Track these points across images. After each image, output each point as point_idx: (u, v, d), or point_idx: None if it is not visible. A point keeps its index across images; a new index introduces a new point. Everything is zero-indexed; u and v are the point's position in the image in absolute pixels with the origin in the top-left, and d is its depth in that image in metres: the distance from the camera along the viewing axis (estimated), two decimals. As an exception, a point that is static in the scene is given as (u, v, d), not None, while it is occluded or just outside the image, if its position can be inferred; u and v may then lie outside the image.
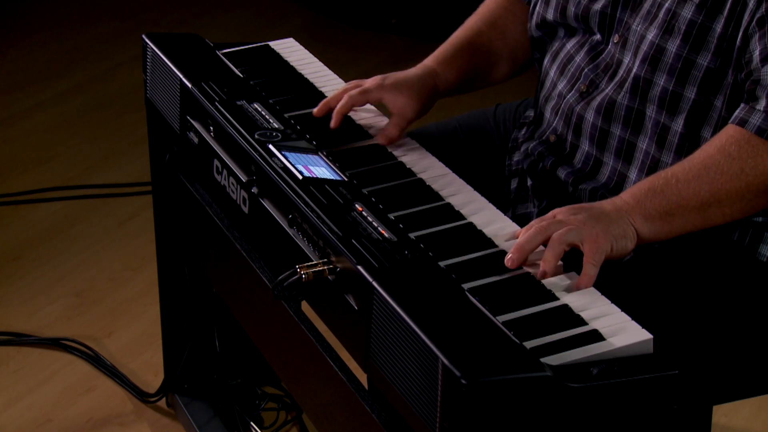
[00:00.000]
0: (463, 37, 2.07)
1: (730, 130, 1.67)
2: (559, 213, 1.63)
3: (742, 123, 1.66)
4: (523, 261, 1.58)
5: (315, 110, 1.96)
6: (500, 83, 2.12)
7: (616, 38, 1.84)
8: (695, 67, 1.73)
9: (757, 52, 1.67)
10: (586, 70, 1.88)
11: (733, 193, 1.66)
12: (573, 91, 1.90)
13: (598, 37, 1.88)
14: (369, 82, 1.95)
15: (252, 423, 2.49)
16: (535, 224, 1.61)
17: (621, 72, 1.83)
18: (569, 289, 1.55)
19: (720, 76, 1.72)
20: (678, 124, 1.76)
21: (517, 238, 1.64)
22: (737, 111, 1.68)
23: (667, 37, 1.75)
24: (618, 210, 1.65)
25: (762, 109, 1.65)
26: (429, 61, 2.04)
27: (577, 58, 1.91)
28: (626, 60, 1.82)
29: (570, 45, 1.94)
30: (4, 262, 3.13)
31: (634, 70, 1.79)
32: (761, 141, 1.65)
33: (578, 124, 1.88)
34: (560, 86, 1.93)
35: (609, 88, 1.84)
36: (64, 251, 3.19)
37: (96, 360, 2.75)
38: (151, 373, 2.72)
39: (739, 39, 1.69)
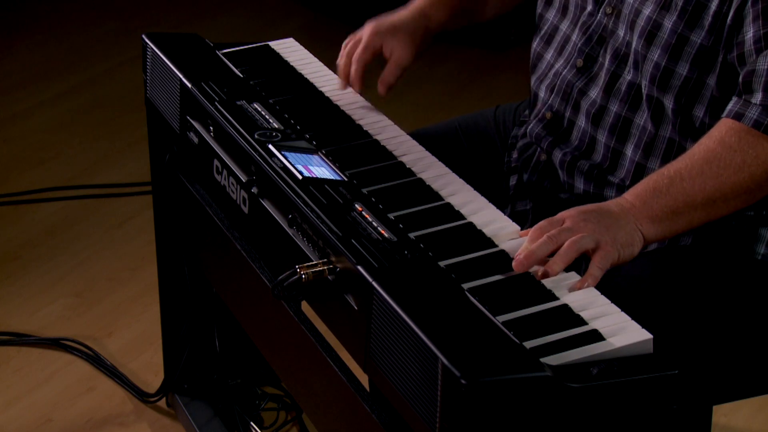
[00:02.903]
0: None
1: (728, 123, 1.67)
2: (568, 219, 1.62)
3: (738, 117, 1.66)
4: (531, 267, 1.58)
5: (338, 86, 2.05)
6: (489, 20, 2.17)
7: (608, 9, 1.85)
8: (688, 44, 1.74)
9: (750, 35, 1.67)
10: (579, 44, 1.90)
11: (738, 186, 1.66)
12: (569, 67, 1.91)
13: (589, 9, 1.90)
14: (365, 35, 2.03)
15: (252, 423, 2.49)
16: (545, 228, 1.61)
17: (619, 46, 1.84)
18: (569, 289, 1.55)
19: (713, 55, 1.73)
20: (669, 100, 1.77)
21: (517, 237, 1.64)
22: (731, 104, 1.68)
23: (664, 13, 1.76)
24: (625, 213, 1.65)
25: (758, 102, 1.65)
26: (419, 1, 2.09)
27: (573, 37, 1.93)
28: (621, 32, 1.83)
29: (564, 26, 1.96)
30: (4, 262, 3.13)
31: (633, 45, 1.80)
32: (759, 133, 1.65)
33: (578, 100, 1.89)
34: (557, 65, 1.95)
35: (609, 62, 1.85)
36: (64, 251, 3.19)
37: (96, 360, 2.75)
38: (151, 373, 2.72)
39: (730, 17, 1.70)
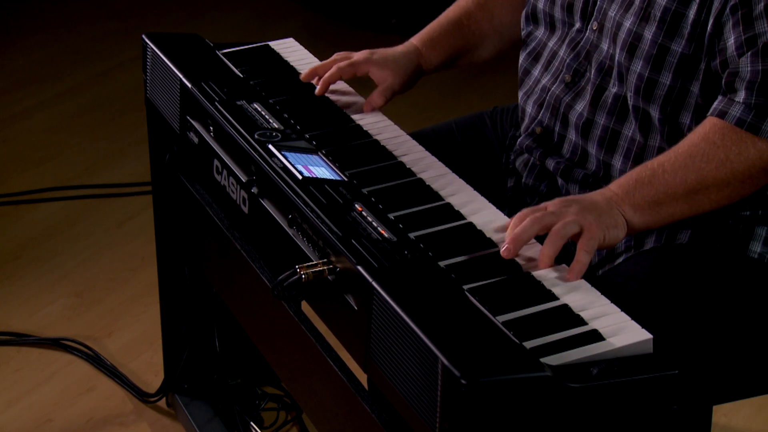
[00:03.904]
0: (451, 18, 2.13)
1: (712, 120, 1.70)
2: (550, 205, 1.65)
3: (721, 115, 1.69)
4: (518, 251, 1.59)
5: (302, 75, 2.05)
6: (485, 62, 2.19)
7: (594, 25, 1.87)
8: (670, 54, 1.76)
9: (731, 41, 1.69)
10: (567, 60, 1.91)
11: (719, 180, 1.69)
12: (557, 83, 1.92)
13: (577, 26, 1.91)
14: (357, 56, 2.04)
15: (252, 423, 2.49)
16: (528, 214, 1.63)
17: (603, 59, 1.85)
18: (569, 288, 1.55)
19: (695, 63, 1.75)
20: (655, 110, 1.78)
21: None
22: (716, 103, 1.71)
23: (644, 24, 1.77)
24: (608, 200, 1.68)
25: (741, 100, 1.67)
26: (415, 40, 2.12)
27: (561, 53, 1.94)
28: (605, 46, 1.84)
29: (552, 43, 1.97)
30: (4, 262, 3.13)
31: (617, 57, 1.81)
32: (742, 131, 1.67)
33: (566, 114, 1.90)
34: (544, 81, 1.96)
35: (594, 75, 1.86)
36: (64, 251, 3.19)
37: (96, 360, 2.75)
38: (151, 373, 2.72)
39: (710, 26, 1.72)
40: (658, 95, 1.78)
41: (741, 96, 1.67)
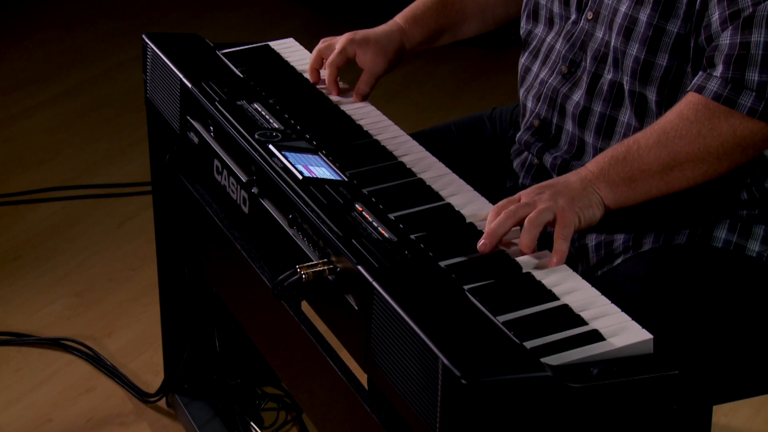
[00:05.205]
0: None
1: (689, 97, 1.71)
2: (524, 195, 1.67)
3: (699, 90, 1.69)
4: (495, 245, 1.61)
5: (311, 80, 2.09)
6: (467, 39, 2.20)
7: (590, 15, 1.88)
8: (666, 34, 1.76)
9: (716, 16, 1.70)
10: (563, 52, 1.92)
11: (692, 156, 1.69)
12: (554, 75, 1.93)
13: (573, 17, 1.92)
14: (341, 42, 2.06)
15: (252, 423, 2.49)
16: (503, 207, 1.65)
17: (598, 47, 1.86)
18: (569, 288, 1.55)
19: (690, 42, 1.76)
20: (652, 93, 1.79)
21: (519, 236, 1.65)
22: (695, 78, 1.72)
23: (639, 7, 1.78)
24: (582, 180, 1.69)
25: (718, 75, 1.68)
26: (398, 18, 2.13)
27: (557, 46, 1.95)
28: (599, 34, 1.84)
29: (550, 38, 1.98)
30: (4, 262, 3.13)
31: (612, 43, 1.81)
32: (718, 105, 1.68)
33: (563, 105, 1.91)
34: (542, 74, 1.97)
35: (589, 64, 1.86)
36: (64, 251, 3.19)
37: (96, 360, 2.76)
38: (151, 373, 2.72)
39: (698, 2, 1.73)
40: (655, 77, 1.78)
41: (719, 70, 1.68)
